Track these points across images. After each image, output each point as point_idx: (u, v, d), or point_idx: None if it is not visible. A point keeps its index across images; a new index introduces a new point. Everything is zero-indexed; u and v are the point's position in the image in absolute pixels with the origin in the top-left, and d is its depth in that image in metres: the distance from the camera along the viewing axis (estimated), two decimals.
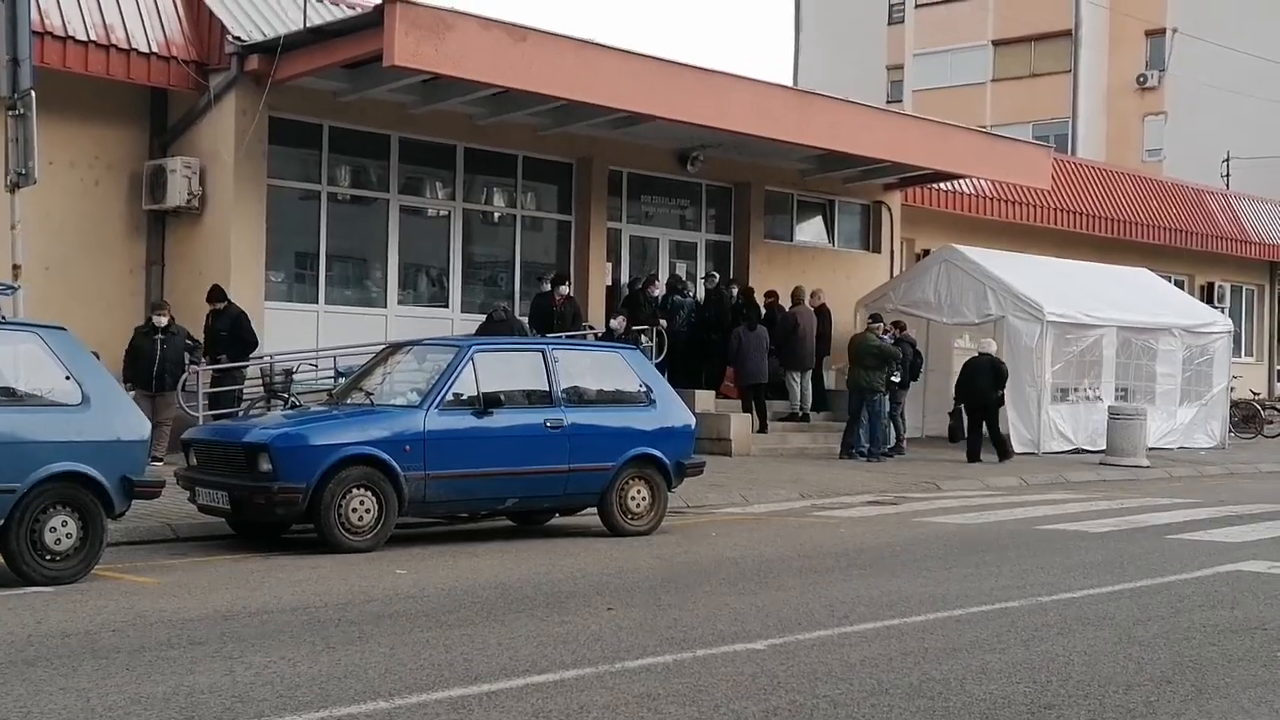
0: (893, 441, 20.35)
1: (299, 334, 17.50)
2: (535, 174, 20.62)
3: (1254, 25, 43.48)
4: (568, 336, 17.63)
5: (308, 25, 16.47)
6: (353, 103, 17.77)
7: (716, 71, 18.83)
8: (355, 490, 10.80)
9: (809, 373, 21.16)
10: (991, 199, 27.14)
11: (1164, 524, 13.63)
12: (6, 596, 8.53)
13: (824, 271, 23.55)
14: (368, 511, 10.84)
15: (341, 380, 15.04)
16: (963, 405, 20.92)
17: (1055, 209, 28.49)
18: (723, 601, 8.74)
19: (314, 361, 17.20)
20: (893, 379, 19.95)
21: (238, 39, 16.69)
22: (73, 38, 16.03)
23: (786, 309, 21.03)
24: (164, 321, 15.42)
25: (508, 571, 9.96)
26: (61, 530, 9.09)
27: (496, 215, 20.63)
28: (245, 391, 16.59)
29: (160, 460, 14.24)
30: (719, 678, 6.57)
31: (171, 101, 17.52)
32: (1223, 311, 29.16)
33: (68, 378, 9.37)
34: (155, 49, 16.72)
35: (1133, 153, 46.54)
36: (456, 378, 11.52)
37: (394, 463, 10.93)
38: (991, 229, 27.08)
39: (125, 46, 16.46)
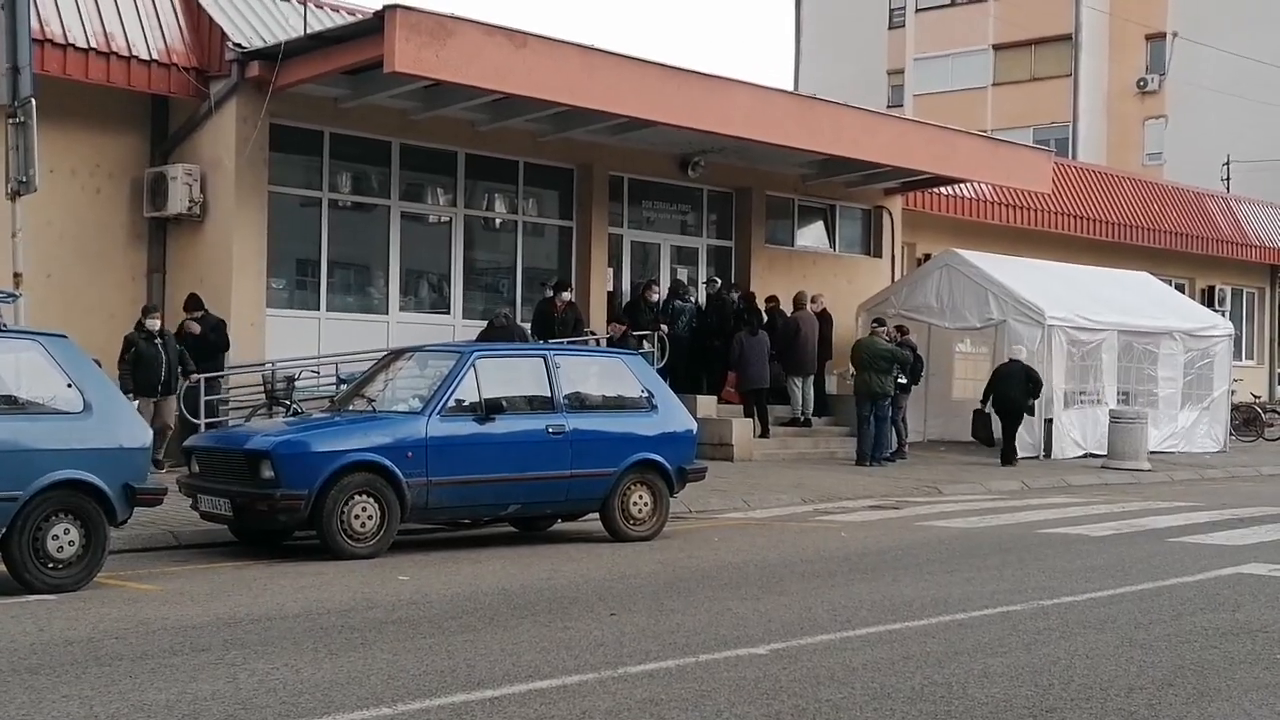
0: (894, 446, 20.35)
1: (300, 341, 17.50)
2: (536, 180, 20.62)
3: (1254, 29, 43.50)
4: (569, 342, 17.65)
5: (308, 32, 16.49)
6: (353, 109, 17.79)
7: (717, 77, 18.82)
8: (357, 497, 10.81)
9: (810, 378, 21.14)
10: (992, 203, 27.13)
11: (1165, 527, 13.64)
12: (9, 604, 8.54)
13: (825, 276, 23.55)
14: (370, 518, 10.84)
15: (343, 387, 15.05)
16: (993, 411, 20.87)
17: (1056, 213, 28.49)
18: (725, 606, 8.74)
19: (315, 368, 17.20)
20: (900, 381, 19.95)
21: (238, 46, 16.70)
22: (73, 45, 16.03)
23: (788, 314, 21.04)
24: (159, 326, 15.46)
25: (510, 577, 9.96)
26: (64, 538, 9.08)
27: (498, 221, 20.63)
28: (243, 399, 16.60)
29: (163, 466, 14.26)
30: (722, 682, 6.58)
31: (172, 109, 17.53)
32: (1223, 315, 29.17)
33: (69, 385, 9.38)
34: (156, 56, 16.73)
35: (1133, 156, 46.54)
36: (458, 384, 11.54)
37: (396, 469, 10.94)
38: (992, 233, 27.06)
39: (126, 54, 16.46)
